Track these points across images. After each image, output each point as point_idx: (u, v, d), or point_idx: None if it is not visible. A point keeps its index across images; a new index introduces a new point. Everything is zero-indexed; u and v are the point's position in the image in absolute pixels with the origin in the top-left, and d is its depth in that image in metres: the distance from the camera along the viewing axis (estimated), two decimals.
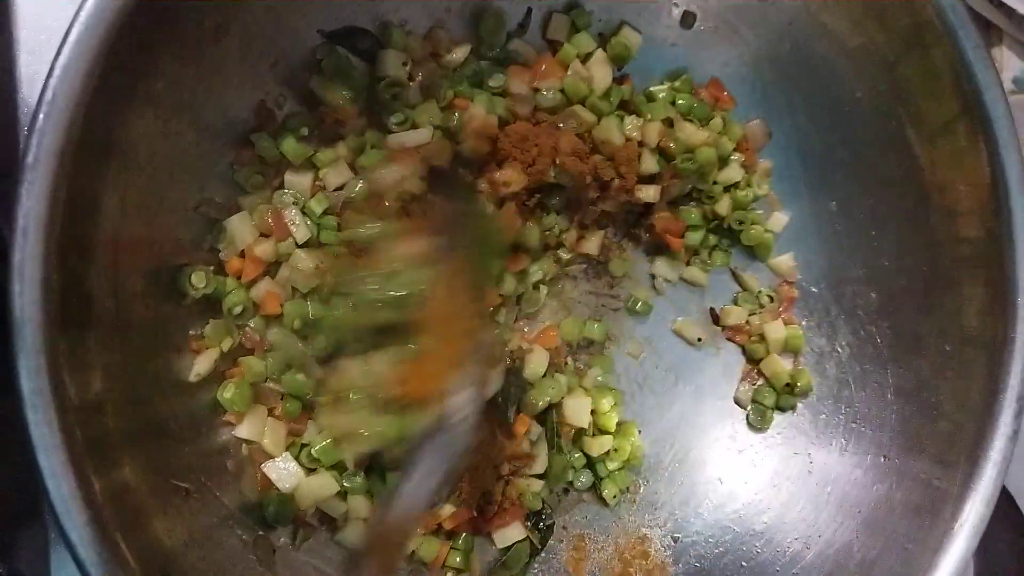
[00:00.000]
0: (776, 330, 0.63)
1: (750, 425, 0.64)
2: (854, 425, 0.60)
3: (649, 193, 0.60)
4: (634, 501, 0.63)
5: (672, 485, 0.63)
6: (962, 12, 0.50)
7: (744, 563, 0.60)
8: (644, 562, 0.60)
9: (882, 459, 0.57)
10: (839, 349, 0.62)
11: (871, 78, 0.55)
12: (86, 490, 0.40)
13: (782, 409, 0.63)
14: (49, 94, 0.38)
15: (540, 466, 0.59)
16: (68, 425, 0.39)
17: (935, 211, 0.55)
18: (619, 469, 0.62)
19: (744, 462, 0.63)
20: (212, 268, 0.54)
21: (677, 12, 0.60)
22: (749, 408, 0.64)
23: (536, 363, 0.60)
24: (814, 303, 0.64)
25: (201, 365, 0.53)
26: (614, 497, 0.61)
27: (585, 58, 0.61)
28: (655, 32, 0.61)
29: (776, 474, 0.62)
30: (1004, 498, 0.65)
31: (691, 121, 0.60)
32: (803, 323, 0.64)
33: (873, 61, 0.54)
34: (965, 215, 0.53)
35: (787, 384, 0.62)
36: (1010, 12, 0.72)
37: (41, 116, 0.38)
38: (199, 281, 0.52)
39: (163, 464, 0.49)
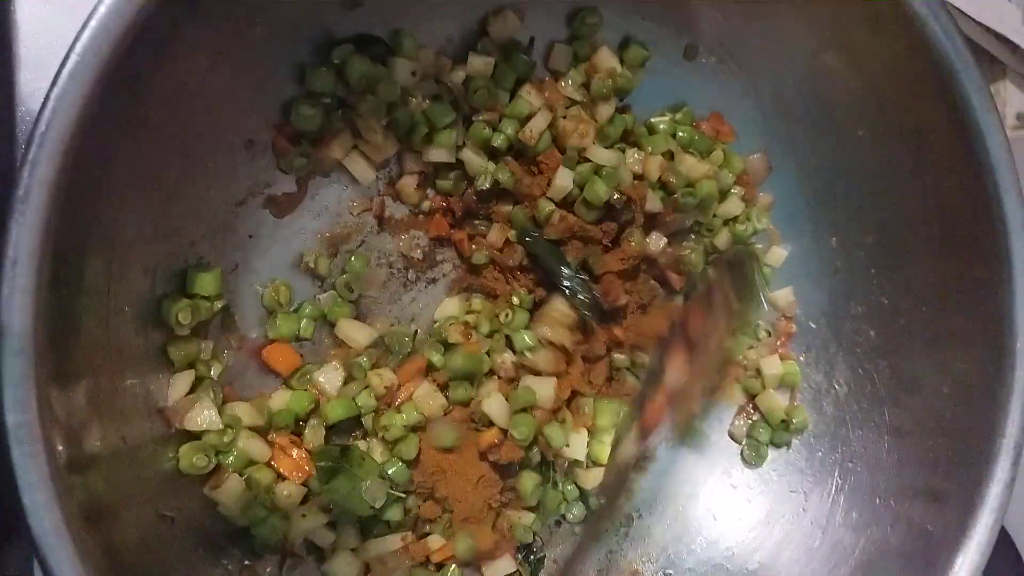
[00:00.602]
0: (773, 365, 0.62)
1: (745, 461, 0.63)
2: (850, 465, 0.59)
3: (659, 246, 0.60)
4: (626, 535, 0.62)
5: (665, 520, 0.62)
6: (966, 56, 0.49)
7: None
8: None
9: (877, 501, 0.56)
10: (836, 386, 0.61)
11: (873, 118, 0.55)
12: (69, 523, 0.39)
13: (777, 445, 0.63)
14: (42, 126, 0.37)
15: (532, 499, 0.59)
16: (54, 460, 0.38)
17: (936, 251, 0.54)
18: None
19: (738, 499, 0.63)
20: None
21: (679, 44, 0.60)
22: (744, 443, 0.63)
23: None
24: (812, 339, 0.63)
25: (175, 389, 0.52)
26: (606, 530, 0.60)
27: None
28: (656, 63, 0.60)
29: (770, 512, 0.61)
30: (1002, 538, 0.65)
31: (692, 154, 0.60)
32: (800, 358, 0.63)
33: (875, 101, 0.54)
34: (966, 257, 0.52)
35: (783, 420, 0.62)
36: (1014, 47, 0.72)
37: (34, 147, 0.37)
38: (184, 317, 0.51)
39: (148, 492, 0.48)
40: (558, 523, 0.61)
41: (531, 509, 0.59)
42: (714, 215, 0.62)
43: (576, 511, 0.61)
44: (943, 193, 0.53)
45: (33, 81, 0.54)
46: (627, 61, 0.59)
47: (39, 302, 0.38)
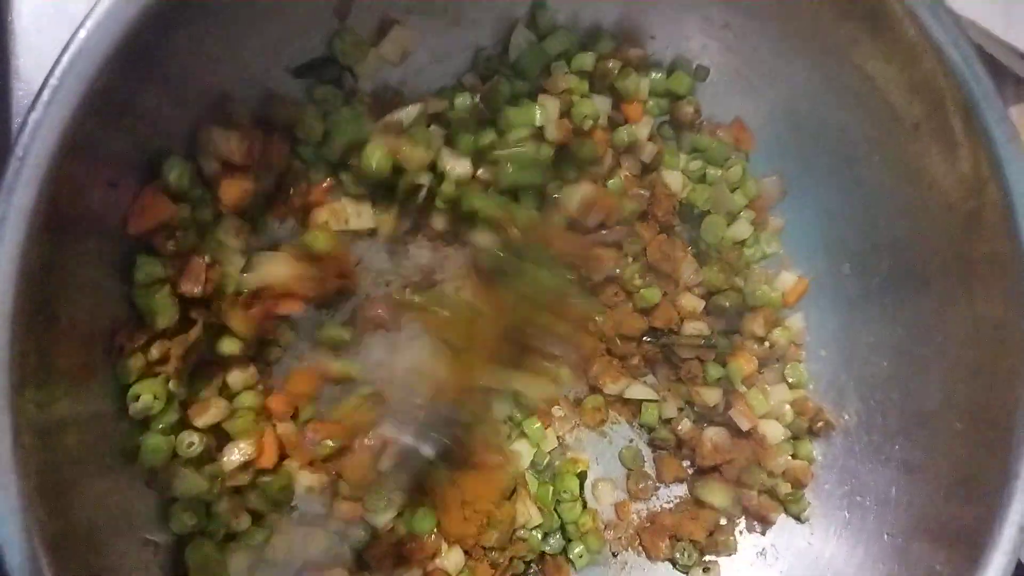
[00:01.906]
0: (780, 392, 0.61)
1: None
2: (858, 499, 0.57)
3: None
4: (624, 564, 0.61)
5: None
6: (986, 83, 0.48)
7: None
8: None
9: (885, 537, 0.55)
10: (846, 416, 0.60)
11: (889, 143, 0.53)
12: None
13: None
14: (19, 150, 0.36)
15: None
16: (28, 491, 0.38)
17: (953, 284, 0.52)
18: (590, 531, 0.60)
19: (741, 527, 0.61)
20: None
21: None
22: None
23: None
24: (822, 367, 0.61)
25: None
26: (581, 557, 0.59)
27: None
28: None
29: (773, 545, 0.60)
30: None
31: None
32: (809, 387, 0.62)
33: (891, 127, 0.52)
34: (983, 290, 0.51)
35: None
36: None
37: (8, 174, 0.36)
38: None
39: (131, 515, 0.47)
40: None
41: None
42: (722, 237, 0.60)
43: (553, 541, 0.60)
44: (961, 224, 0.51)
45: (29, 93, 0.53)
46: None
47: (15, 330, 0.37)
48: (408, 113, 0.54)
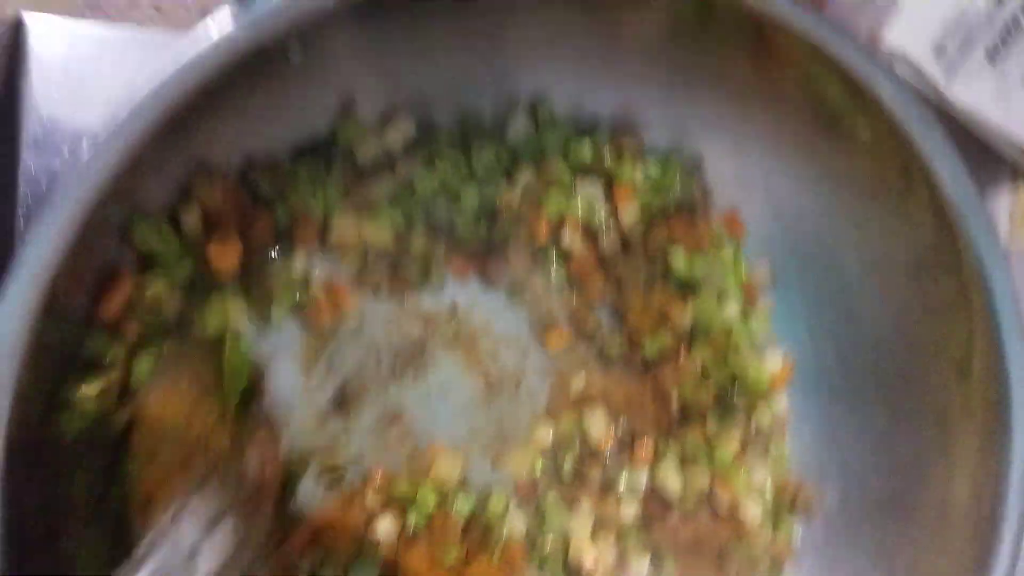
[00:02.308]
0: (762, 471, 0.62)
1: None
2: None
3: None
4: None
5: None
6: (967, 187, 0.49)
7: None
8: None
9: None
10: (828, 496, 0.61)
11: (873, 247, 0.55)
12: None
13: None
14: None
15: None
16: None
17: (937, 380, 0.54)
18: None
19: None
20: None
21: None
22: None
23: None
24: (805, 448, 0.62)
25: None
26: None
27: None
28: None
29: None
30: None
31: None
32: (791, 467, 0.63)
33: (876, 229, 0.55)
34: (966, 391, 0.52)
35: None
36: None
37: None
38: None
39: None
40: None
41: None
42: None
43: None
44: (943, 321, 0.53)
45: (38, 165, 0.55)
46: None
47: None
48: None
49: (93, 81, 0.56)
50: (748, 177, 0.59)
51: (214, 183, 0.50)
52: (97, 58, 0.56)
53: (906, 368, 0.56)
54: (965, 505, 0.52)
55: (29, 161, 0.56)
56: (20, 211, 0.55)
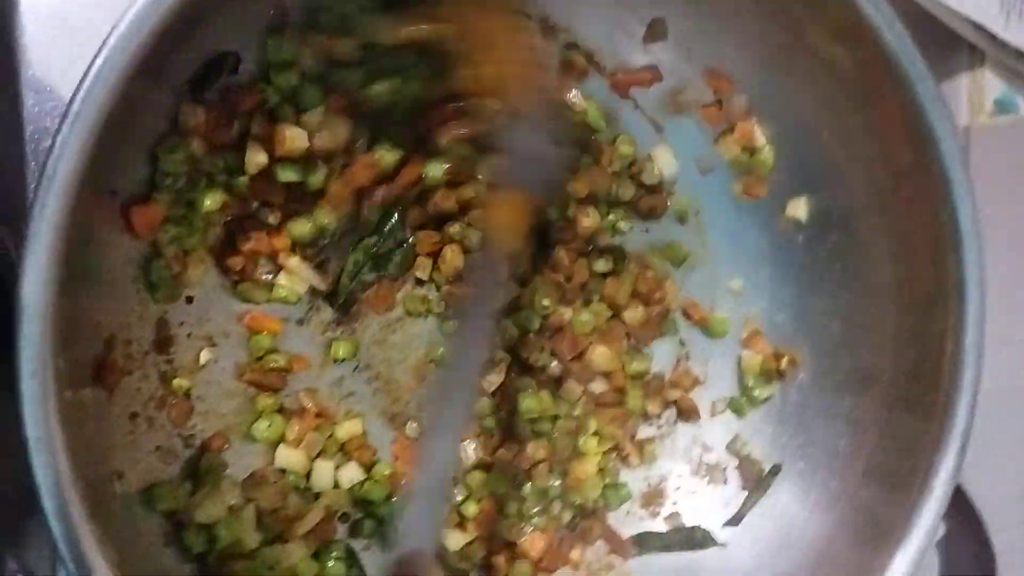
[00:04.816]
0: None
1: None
2: (810, 450, 0.63)
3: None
4: None
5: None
6: (920, 64, 0.52)
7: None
8: (609, 573, 0.65)
9: (833, 484, 0.60)
10: (801, 375, 0.65)
11: (835, 119, 0.59)
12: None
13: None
14: (49, 169, 0.41)
15: None
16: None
17: (895, 254, 0.58)
18: None
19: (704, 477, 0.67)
20: None
21: None
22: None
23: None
24: (778, 331, 0.66)
25: None
26: None
27: None
28: None
29: (734, 494, 0.66)
30: (963, 507, 0.69)
31: None
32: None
33: (839, 103, 0.58)
34: (923, 262, 0.56)
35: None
36: (992, 35, 0.73)
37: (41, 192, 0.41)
38: None
39: None
40: None
41: None
42: None
43: None
44: (900, 198, 0.56)
45: (40, 102, 0.58)
46: None
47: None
48: None
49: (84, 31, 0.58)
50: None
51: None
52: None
53: (869, 246, 0.59)
54: (922, 374, 0.56)
55: (31, 103, 0.58)
56: (28, 151, 0.59)
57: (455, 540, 0.62)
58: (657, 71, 0.64)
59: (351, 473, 0.61)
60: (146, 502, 0.54)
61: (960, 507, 0.68)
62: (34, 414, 0.42)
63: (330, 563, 0.59)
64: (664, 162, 0.66)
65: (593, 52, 0.64)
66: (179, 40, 0.47)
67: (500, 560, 0.62)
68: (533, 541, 0.63)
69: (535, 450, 0.63)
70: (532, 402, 0.63)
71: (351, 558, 0.60)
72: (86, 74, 0.43)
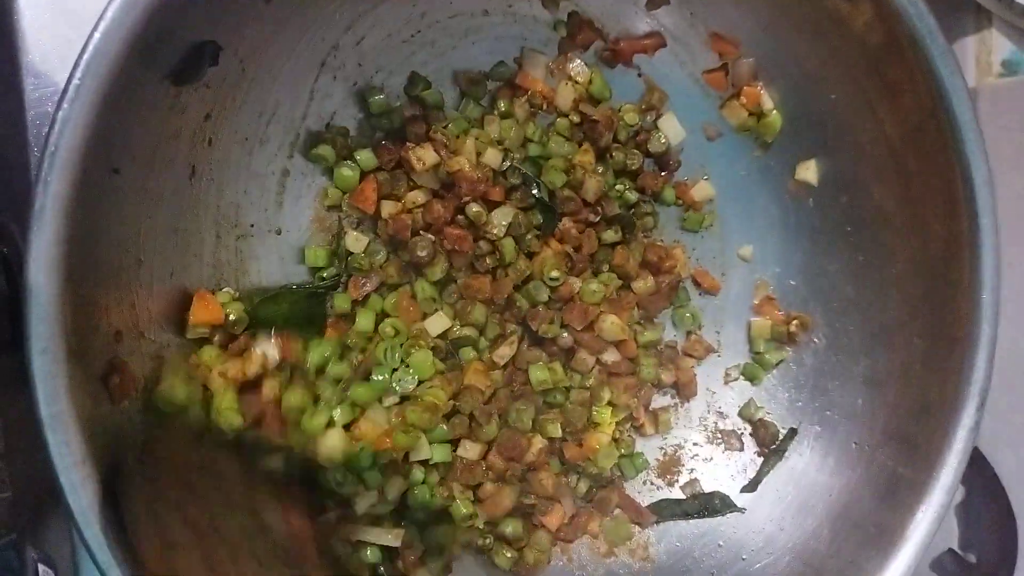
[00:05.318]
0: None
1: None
2: (827, 413, 0.63)
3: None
4: None
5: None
6: (929, 20, 0.51)
7: (721, 543, 0.63)
8: (628, 542, 0.64)
9: (852, 446, 0.60)
10: (815, 340, 0.64)
11: (844, 79, 0.57)
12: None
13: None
14: (51, 145, 0.41)
15: None
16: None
17: (906, 212, 0.57)
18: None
19: (719, 444, 0.67)
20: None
21: None
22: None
23: None
24: (792, 296, 0.66)
25: None
26: None
27: None
28: None
29: (751, 460, 0.65)
30: (987, 475, 0.69)
31: None
32: (780, 314, 0.66)
33: (845, 63, 0.56)
34: (935, 216, 0.55)
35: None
36: None
37: (44, 166, 0.41)
38: None
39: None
40: None
41: None
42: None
43: None
44: (912, 155, 0.55)
45: (40, 87, 0.57)
46: None
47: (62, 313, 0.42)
48: None
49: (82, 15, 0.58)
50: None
51: None
52: None
53: (881, 206, 0.59)
54: (939, 331, 0.55)
55: (30, 87, 0.58)
56: (30, 137, 0.58)
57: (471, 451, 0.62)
58: (661, 37, 0.64)
59: None
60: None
61: (980, 472, 0.67)
62: (46, 392, 0.42)
63: None
64: (670, 130, 0.65)
65: (594, 20, 0.63)
66: (171, 22, 0.46)
67: (519, 527, 0.62)
68: (551, 515, 0.63)
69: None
70: (543, 374, 0.62)
71: None
72: (85, 48, 0.43)
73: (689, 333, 0.68)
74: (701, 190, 0.67)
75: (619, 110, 0.65)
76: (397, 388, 0.60)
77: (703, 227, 0.67)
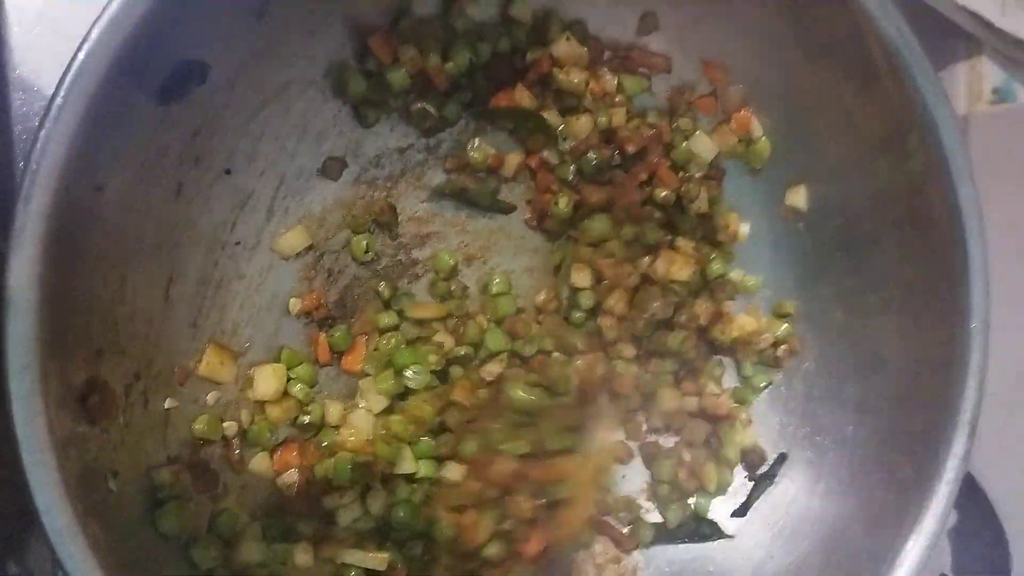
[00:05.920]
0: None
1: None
2: (818, 439, 0.62)
3: None
4: None
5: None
6: (915, 48, 0.51)
7: (711, 569, 0.63)
8: (616, 566, 0.64)
9: (843, 472, 0.59)
10: (805, 364, 0.64)
11: (835, 111, 0.58)
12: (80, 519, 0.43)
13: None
14: (33, 163, 0.41)
15: None
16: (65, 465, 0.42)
17: (898, 238, 0.57)
18: None
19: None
20: None
21: None
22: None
23: None
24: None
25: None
26: None
27: None
28: None
29: (741, 485, 0.65)
30: (980, 500, 0.68)
31: None
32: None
33: (836, 93, 0.57)
34: (926, 244, 0.55)
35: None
36: (989, 23, 0.73)
37: (26, 183, 0.40)
38: None
39: None
40: None
41: None
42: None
43: None
44: (901, 183, 0.55)
45: (28, 101, 0.57)
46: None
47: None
48: None
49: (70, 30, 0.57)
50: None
51: None
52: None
53: (871, 233, 0.59)
54: (935, 354, 0.55)
55: (18, 103, 0.58)
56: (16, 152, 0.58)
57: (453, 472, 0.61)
58: (669, 61, 0.64)
59: None
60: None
61: (973, 497, 0.67)
62: (22, 411, 0.41)
63: None
64: (701, 147, 0.65)
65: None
66: (158, 41, 0.46)
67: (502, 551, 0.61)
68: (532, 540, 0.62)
69: None
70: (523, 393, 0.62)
71: None
72: (69, 67, 0.42)
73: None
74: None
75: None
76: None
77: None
